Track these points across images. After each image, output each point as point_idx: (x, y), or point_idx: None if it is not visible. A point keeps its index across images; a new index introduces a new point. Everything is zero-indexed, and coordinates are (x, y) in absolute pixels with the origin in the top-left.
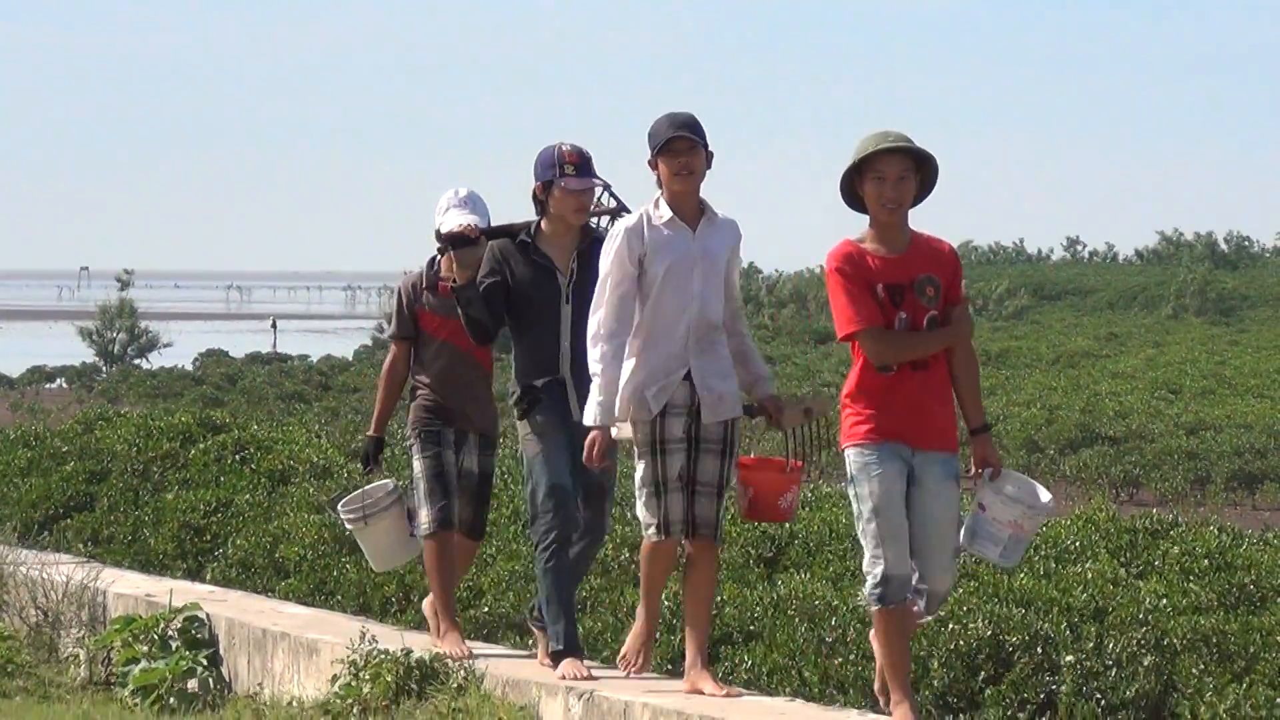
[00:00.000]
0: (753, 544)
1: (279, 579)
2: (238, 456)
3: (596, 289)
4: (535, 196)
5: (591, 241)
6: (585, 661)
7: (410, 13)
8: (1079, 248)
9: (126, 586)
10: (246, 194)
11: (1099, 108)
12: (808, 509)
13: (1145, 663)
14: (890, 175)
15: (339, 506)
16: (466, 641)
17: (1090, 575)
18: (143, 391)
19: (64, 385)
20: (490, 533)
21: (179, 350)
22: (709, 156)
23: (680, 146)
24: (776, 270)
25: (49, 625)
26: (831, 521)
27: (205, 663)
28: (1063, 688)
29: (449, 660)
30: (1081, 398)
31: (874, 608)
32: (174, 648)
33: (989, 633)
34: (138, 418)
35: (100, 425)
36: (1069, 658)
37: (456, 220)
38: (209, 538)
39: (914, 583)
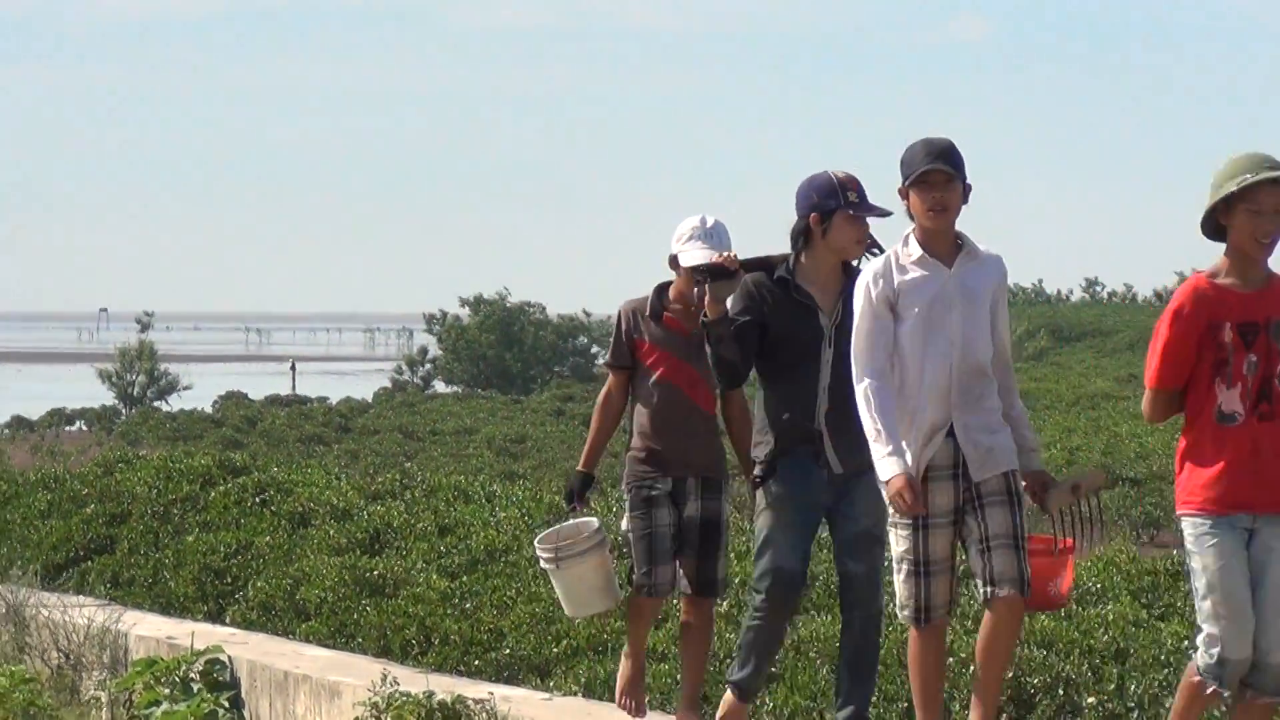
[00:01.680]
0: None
1: (300, 621)
2: (258, 499)
3: (852, 340)
4: (798, 230)
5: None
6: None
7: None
8: (1098, 289)
9: (148, 629)
10: (266, 236)
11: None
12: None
13: (1167, 704)
14: (1268, 207)
15: (537, 543)
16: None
17: (1111, 617)
18: (162, 434)
19: (84, 428)
20: (511, 574)
21: (199, 392)
22: (966, 190)
23: (935, 179)
24: None
25: (71, 668)
26: None
27: (227, 705)
28: None
29: (470, 702)
30: (1102, 439)
31: (1209, 687)
32: (196, 690)
33: (1011, 674)
34: (158, 460)
35: (120, 468)
36: (1090, 699)
37: (699, 250)
38: (230, 580)
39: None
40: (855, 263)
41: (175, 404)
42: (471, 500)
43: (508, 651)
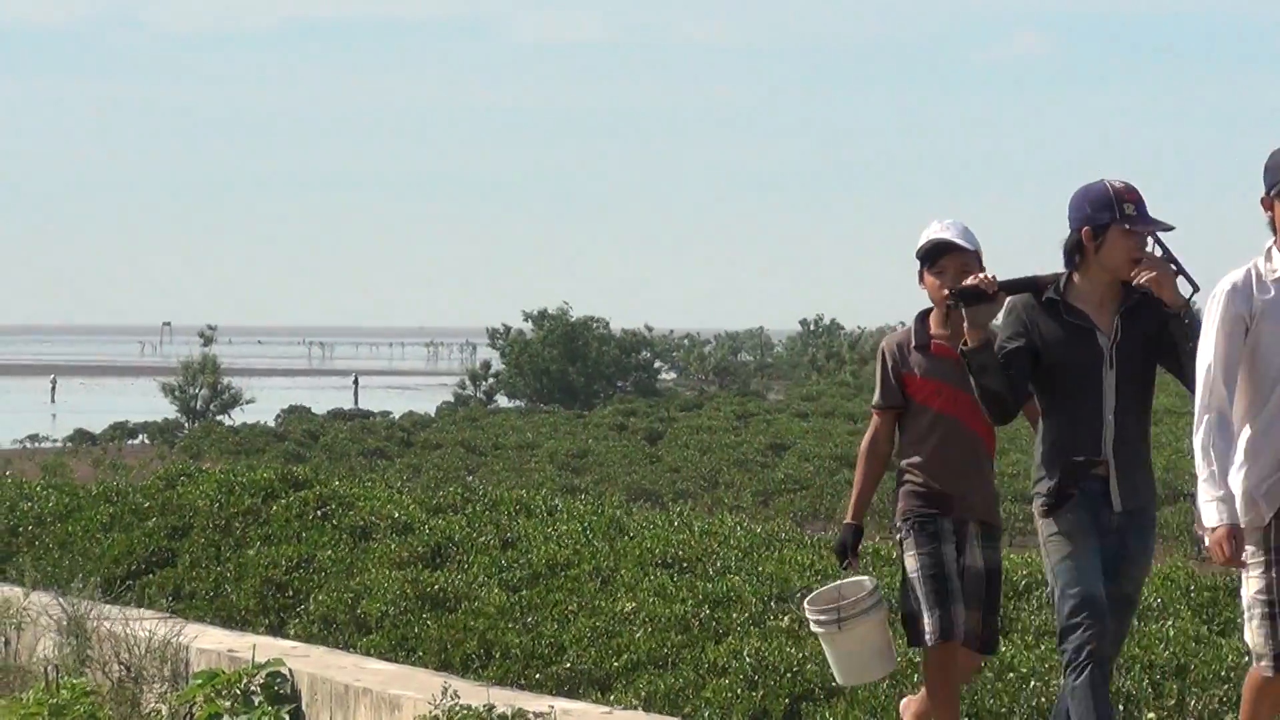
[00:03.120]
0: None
1: (361, 635)
2: (319, 512)
3: (1197, 363)
4: (1070, 244)
5: (1138, 299)
6: None
7: (486, 68)
8: None
9: (209, 642)
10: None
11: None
12: (890, 565)
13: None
14: None
15: (807, 604)
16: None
17: (1172, 633)
18: (225, 448)
19: (146, 441)
20: (572, 588)
21: (261, 406)
22: None
23: None
24: (858, 326)
25: (132, 681)
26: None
27: (288, 718)
28: None
29: (531, 715)
30: (1163, 455)
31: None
32: (257, 703)
33: None
34: (219, 474)
35: (182, 481)
36: (1151, 715)
37: (937, 230)
38: (291, 593)
39: None
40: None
41: (237, 418)
42: (533, 514)
43: (568, 665)
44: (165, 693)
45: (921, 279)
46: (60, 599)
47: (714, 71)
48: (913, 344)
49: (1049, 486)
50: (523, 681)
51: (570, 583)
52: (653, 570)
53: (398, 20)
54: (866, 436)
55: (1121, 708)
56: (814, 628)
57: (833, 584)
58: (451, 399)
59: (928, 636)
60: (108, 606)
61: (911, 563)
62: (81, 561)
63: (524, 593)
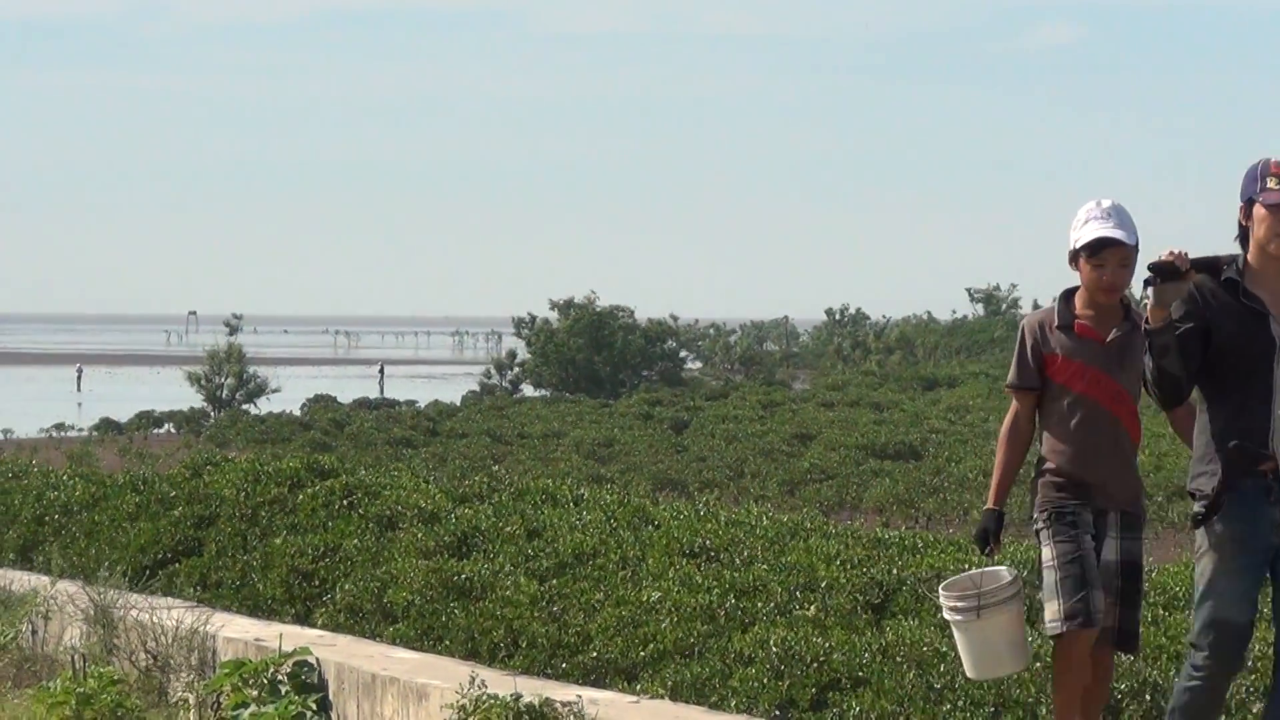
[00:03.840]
0: (860, 590)
1: (387, 624)
2: (346, 501)
3: None
4: (1240, 224)
5: None
6: None
7: (509, 58)
8: None
9: (236, 631)
10: (354, 240)
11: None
12: (915, 555)
13: (1255, 709)
14: None
15: (942, 590)
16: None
17: None
18: (251, 436)
19: (172, 430)
20: (598, 577)
21: (287, 395)
22: None
23: None
24: (884, 316)
25: (159, 669)
26: (939, 568)
27: (315, 707)
28: None
29: (558, 704)
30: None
31: None
32: (284, 692)
33: None
34: (246, 463)
35: (209, 470)
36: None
37: (1097, 225)
38: (317, 582)
39: None
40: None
41: (263, 407)
42: (559, 503)
43: (594, 654)
44: (192, 681)
45: (1074, 262)
46: (87, 588)
47: (739, 61)
48: (1055, 324)
49: (1210, 485)
50: (549, 671)
51: (596, 572)
52: (679, 560)
53: (424, 9)
54: (1007, 419)
55: (1148, 698)
56: (948, 615)
57: (966, 572)
58: (477, 388)
59: (1061, 623)
60: (134, 595)
61: (1048, 551)
62: (108, 550)
63: (550, 582)
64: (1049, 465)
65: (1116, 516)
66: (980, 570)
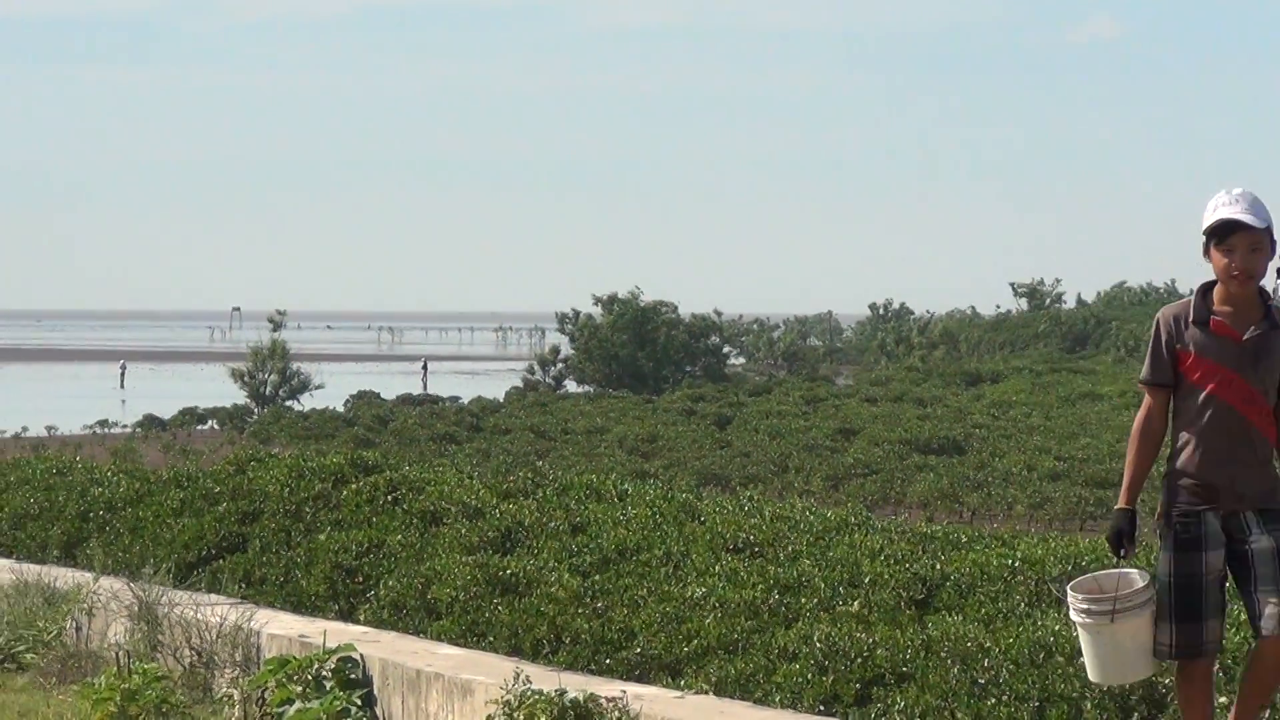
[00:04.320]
0: (904, 585)
1: (431, 620)
2: (389, 497)
3: None
4: None
5: None
6: None
7: (553, 53)
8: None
9: (280, 627)
10: (398, 235)
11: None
12: (959, 550)
13: None
14: None
15: (1069, 589)
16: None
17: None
18: (294, 433)
19: (215, 427)
20: (642, 573)
21: (330, 392)
22: None
23: None
24: (927, 311)
25: (203, 666)
26: (983, 563)
27: (359, 703)
28: None
29: (602, 700)
30: None
31: None
32: (328, 688)
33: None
34: (289, 459)
35: (252, 466)
36: (1222, 699)
37: (1226, 209)
38: (361, 579)
39: None
40: None
41: (307, 403)
42: (603, 499)
43: (638, 650)
44: (237, 678)
45: (1207, 253)
46: (131, 584)
47: (785, 55)
48: (1191, 318)
49: None
50: (593, 667)
51: (640, 568)
52: (723, 555)
53: (467, 4)
54: (1139, 416)
55: None
56: (1077, 618)
57: (1104, 573)
58: (520, 384)
59: (1169, 650)
60: (178, 592)
61: (1163, 567)
62: (152, 547)
63: (594, 578)
64: (1177, 465)
65: (1255, 515)
66: (1105, 572)
